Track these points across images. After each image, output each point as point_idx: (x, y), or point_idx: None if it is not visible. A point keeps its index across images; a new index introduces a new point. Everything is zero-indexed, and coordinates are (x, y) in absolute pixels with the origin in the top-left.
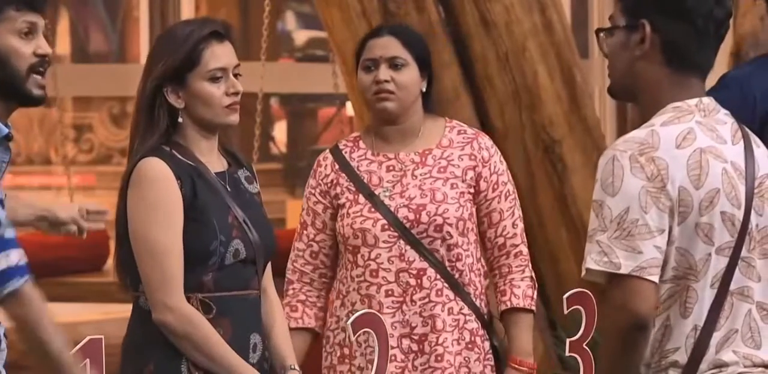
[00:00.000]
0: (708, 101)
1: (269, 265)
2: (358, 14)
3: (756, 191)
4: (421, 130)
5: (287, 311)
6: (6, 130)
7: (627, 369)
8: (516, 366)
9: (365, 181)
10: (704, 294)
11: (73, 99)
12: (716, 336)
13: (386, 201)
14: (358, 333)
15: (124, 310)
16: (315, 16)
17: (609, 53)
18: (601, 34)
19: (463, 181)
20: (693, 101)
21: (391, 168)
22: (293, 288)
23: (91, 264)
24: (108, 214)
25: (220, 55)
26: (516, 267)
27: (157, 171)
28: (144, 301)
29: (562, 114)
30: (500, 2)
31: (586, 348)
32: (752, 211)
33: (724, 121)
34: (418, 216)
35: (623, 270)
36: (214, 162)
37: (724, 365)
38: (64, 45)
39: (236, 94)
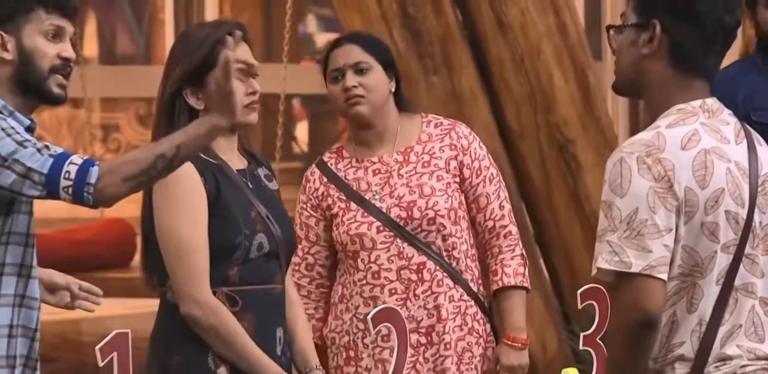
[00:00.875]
0: (712, 102)
1: (290, 268)
2: (377, 18)
3: (759, 189)
4: (399, 129)
5: None
6: (28, 121)
7: (636, 365)
8: (509, 342)
9: (354, 188)
10: (709, 291)
11: (101, 100)
12: (721, 331)
13: (377, 204)
14: (378, 327)
15: (150, 305)
16: (336, 20)
17: (617, 50)
18: (611, 31)
19: (447, 172)
20: (697, 102)
21: (377, 171)
22: None
23: (118, 260)
24: (101, 297)
25: (239, 52)
26: (506, 246)
27: (181, 170)
28: (171, 296)
29: (576, 115)
30: (516, 5)
31: (600, 342)
32: (756, 209)
33: (728, 122)
34: (410, 213)
35: (634, 269)
36: (235, 160)
37: (728, 358)
38: (91, 47)
39: (254, 93)
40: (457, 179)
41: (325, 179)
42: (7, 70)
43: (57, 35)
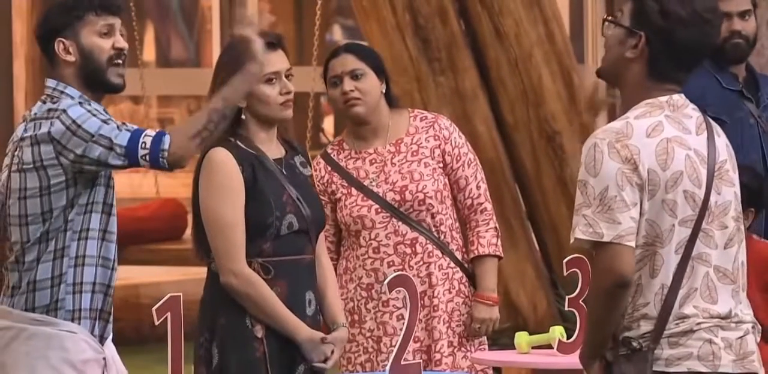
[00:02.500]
0: (677, 98)
1: (322, 236)
2: (393, 27)
3: (716, 173)
4: (390, 124)
5: None
6: (102, 108)
7: (612, 320)
8: (482, 300)
9: (354, 176)
10: (669, 259)
11: (157, 97)
12: (680, 293)
13: (375, 189)
14: (393, 291)
15: (199, 272)
16: (357, 29)
17: (607, 39)
18: (606, 23)
19: (432, 159)
20: (664, 98)
21: (373, 161)
22: None
23: (172, 234)
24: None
25: (273, 61)
26: (482, 220)
27: (222, 158)
28: (215, 266)
29: (562, 110)
30: (511, 17)
31: (582, 304)
32: (712, 190)
33: (691, 115)
34: (403, 196)
35: (606, 239)
36: (273, 150)
37: (686, 317)
38: (149, 52)
39: (288, 93)
40: (441, 164)
41: (329, 168)
42: (72, 69)
43: (108, 32)
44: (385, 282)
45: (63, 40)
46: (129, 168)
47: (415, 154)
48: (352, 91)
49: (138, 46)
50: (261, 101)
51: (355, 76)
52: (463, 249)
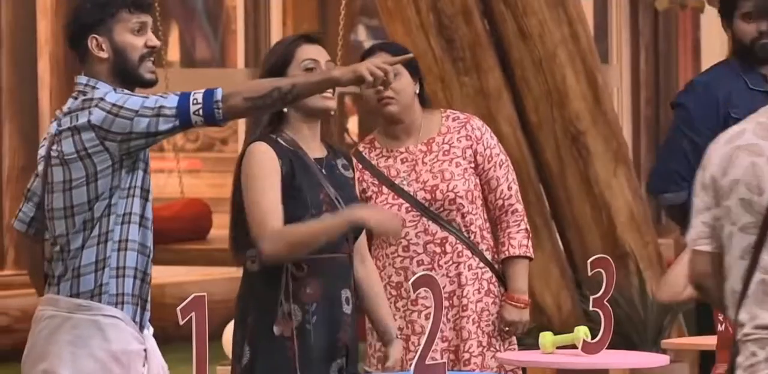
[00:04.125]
0: None
1: (363, 236)
2: (417, 27)
3: None
4: (422, 124)
5: None
6: None
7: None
8: (513, 302)
9: (385, 174)
10: (736, 265)
11: None
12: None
13: (405, 188)
14: (417, 291)
15: (223, 272)
16: (382, 29)
17: None
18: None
19: (464, 159)
20: None
21: (404, 160)
22: None
23: (196, 234)
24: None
25: (310, 50)
26: (513, 222)
27: (262, 151)
28: (249, 264)
29: (587, 110)
30: (535, 16)
31: (607, 304)
32: None
33: None
34: (433, 195)
35: (688, 244)
36: (315, 149)
37: (742, 325)
38: (174, 52)
39: None
40: (473, 165)
41: (360, 166)
42: (106, 66)
43: (141, 29)
44: (410, 282)
45: (96, 36)
46: (181, 130)
47: (446, 153)
48: (386, 90)
49: (162, 46)
50: None
51: None
52: (494, 250)
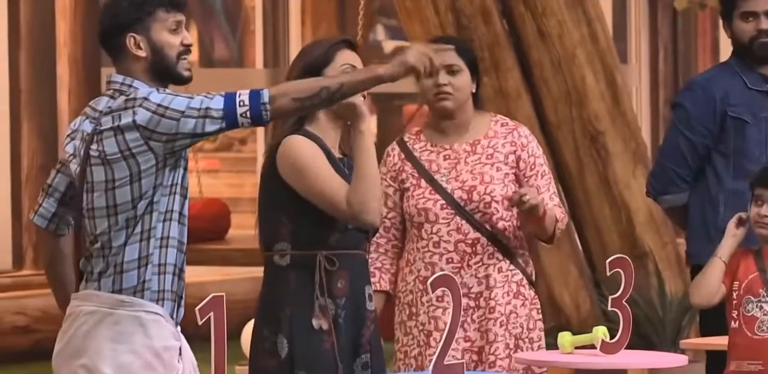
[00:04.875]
0: None
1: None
2: (435, 26)
3: None
4: (471, 124)
5: None
6: None
7: None
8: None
9: (426, 168)
10: None
11: None
12: None
13: (444, 185)
14: (436, 291)
15: (242, 272)
16: (400, 29)
17: None
18: None
19: (506, 164)
20: None
21: (447, 157)
22: (371, 257)
23: (215, 233)
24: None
25: (350, 55)
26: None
27: (302, 141)
28: (278, 258)
29: (605, 110)
30: (554, 17)
31: (625, 304)
32: None
33: None
34: (470, 195)
35: None
36: (336, 150)
37: None
38: (193, 52)
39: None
40: (514, 171)
41: (403, 156)
42: (142, 64)
43: (177, 28)
44: (429, 282)
45: (134, 35)
46: (227, 130)
47: (489, 157)
48: (445, 85)
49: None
50: None
51: (451, 71)
52: (527, 259)
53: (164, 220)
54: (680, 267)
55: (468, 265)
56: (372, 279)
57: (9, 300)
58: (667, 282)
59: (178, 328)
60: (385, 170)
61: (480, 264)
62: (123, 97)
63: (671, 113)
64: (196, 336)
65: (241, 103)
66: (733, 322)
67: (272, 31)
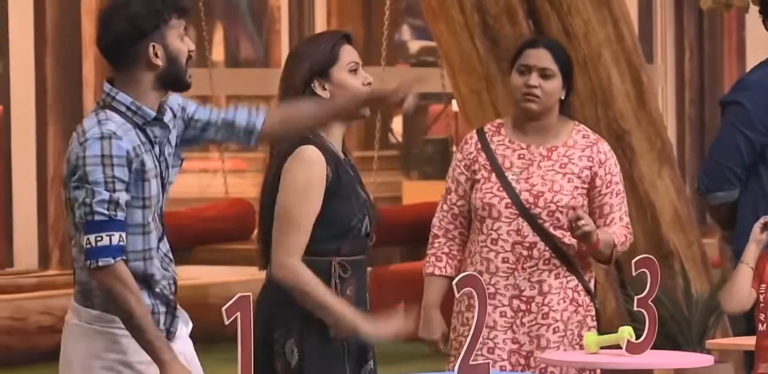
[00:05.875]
0: None
1: None
2: (461, 26)
3: None
4: (553, 130)
5: (432, 260)
6: (153, 113)
7: None
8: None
9: (499, 162)
10: None
11: (226, 97)
12: None
13: (513, 184)
14: (461, 291)
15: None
16: (426, 28)
17: None
18: None
19: (578, 178)
20: None
21: (521, 156)
22: (439, 242)
23: (241, 233)
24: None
25: (352, 51)
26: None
27: (313, 157)
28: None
29: (631, 109)
30: (579, 16)
31: (651, 304)
32: None
33: None
34: (536, 200)
35: None
36: (339, 150)
37: None
38: (219, 52)
39: (369, 84)
40: (586, 186)
41: (479, 146)
42: (155, 73)
43: (185, 34)
44: (455, 281)
45: (154, 44)
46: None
47: (563, 166)
48: (535, 87)
49: (207, 46)
50: (347, 90)
51: (544, 74)
52: (585, 262)
53: (129, 234)
54: (706, 267)
55: (522, 268)
56: (438, 264)
57: (35, 300)
58: (693, 282)
59: (179, 339)
60: (461, 157)
61: (535, 268)
62: (92, 120)
63: (725, 111)
64: (221, 336)
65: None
66: (760, 325)
67: (298, 30)
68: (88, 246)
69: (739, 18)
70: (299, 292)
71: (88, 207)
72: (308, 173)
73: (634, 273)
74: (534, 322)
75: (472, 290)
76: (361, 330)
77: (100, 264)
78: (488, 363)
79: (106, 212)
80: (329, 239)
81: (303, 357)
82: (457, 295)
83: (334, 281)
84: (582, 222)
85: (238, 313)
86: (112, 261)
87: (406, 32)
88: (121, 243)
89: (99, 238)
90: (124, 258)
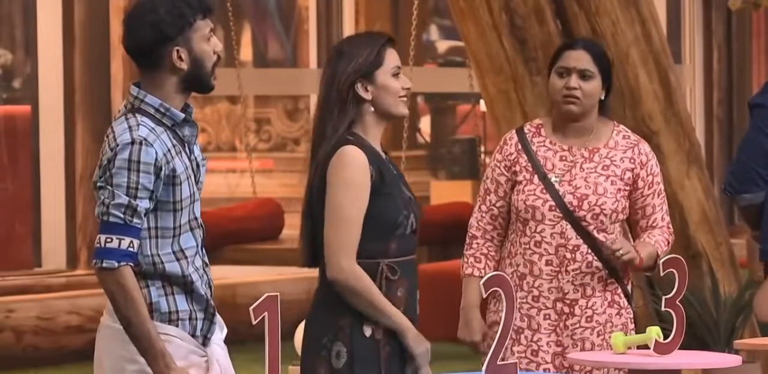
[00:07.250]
0: None
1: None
2: (489, 27)
3: None
4: (594, 131)
5: (471, 261)
6: (182, 115)
7: None
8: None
9: (541, 164)
10: None
11: (255, 97)
12: None
13: (556, 186)
14: (488, 291)
15: (296, 272)
16: (454, 28)
17: None
18: None
19: (621, 180)
20: None
21: (563, 158)
22: (477, 243)
23: (269, 233)
24: None
25: (395, 55)
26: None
27: (355, 157)
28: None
29: (659, 110)
30: (607, 17)
31: (679, 304)
32: None
33: None
34: (580, 203)
35: None
36: (379, 148)
37: None
38: (247, 52)
39: (408, 88)
40: (628, 188)
41: (520, 146)
42: (179, 76)
43: (211, 36)
44: (482, 282)
45: (179, 48)
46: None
47: (605, 168)
48: (575, 89)
49: (235, 46)
50: (389, 93)
51: (584, 76)
52: (627, 272)
53: (160, 237)
54: (734, 268)
55: (566, 271)
56: (477, 265)
57: (63, 300)
58: (721, 283)
59: (214, 344)
60: (501, 157)
61: (578, 271)
62: (122, 123)
63: (752, 113)
64: (249, 336)
65: (108, 241)
66: None
67: (326, 30)
68: (97, 245)
69: (767, 18)
70: (361, 299)
71: (105, 208)
72: (353, 171)
73: (662, 274)
74: (578, 325)
75: (499, 290)
76: (413, 347)
77: (103, 265)
78: (515, 363)
79: (121, 215)
80: (376, 239)
81: (351, 359)
82: (484, 295)
83: (380, 283)
84: (620, 252)
85: (266, 313)
86: (116, 264)
87: (434, 32)
88: (131, 249)
89: (109, 240)
90: (131, 264)
